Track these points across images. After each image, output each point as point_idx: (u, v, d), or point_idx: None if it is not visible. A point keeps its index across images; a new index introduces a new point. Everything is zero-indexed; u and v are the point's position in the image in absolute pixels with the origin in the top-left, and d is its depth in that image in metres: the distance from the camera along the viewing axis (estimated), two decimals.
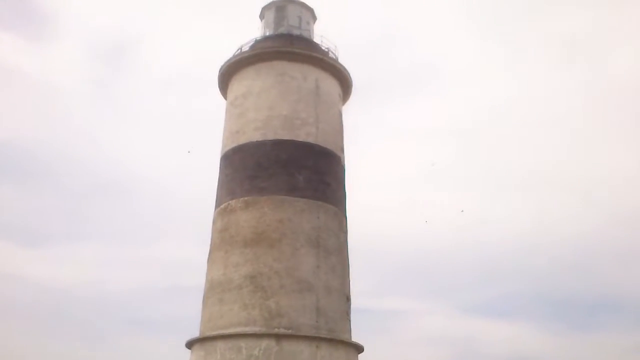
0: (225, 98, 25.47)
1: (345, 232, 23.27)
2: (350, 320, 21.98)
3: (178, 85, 58.16)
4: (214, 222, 22.94)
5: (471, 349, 53.15)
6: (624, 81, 53.21)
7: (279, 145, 22.54)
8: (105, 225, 56.60)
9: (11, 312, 48.27)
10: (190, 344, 21.42)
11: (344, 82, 25.15)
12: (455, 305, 55.30)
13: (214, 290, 21.21)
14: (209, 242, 22.74)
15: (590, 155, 54.82)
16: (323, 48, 24.90)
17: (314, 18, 26.39)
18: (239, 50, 24.59)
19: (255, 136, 22.84)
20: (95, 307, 50.10)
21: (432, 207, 54.73)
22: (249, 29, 26.20)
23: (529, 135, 57.09)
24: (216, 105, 26.15)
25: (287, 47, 23.82)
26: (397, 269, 51.30)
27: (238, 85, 24.31)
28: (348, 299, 22.14)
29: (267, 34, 25.48)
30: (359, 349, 21.94)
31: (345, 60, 25.14)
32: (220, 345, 19.83)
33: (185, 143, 48.42)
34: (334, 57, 24.85)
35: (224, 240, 21.89)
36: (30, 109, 57.57)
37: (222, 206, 22.66)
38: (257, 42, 24.84)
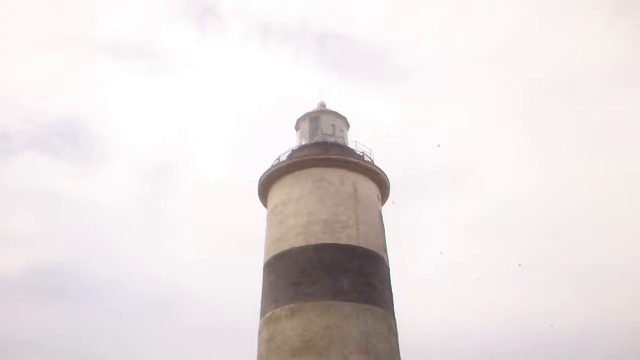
0: (266, 207, 26.08)
1: (396, 335, 22.46)
2: None
3: (221, 200, 59.85)
4: (259, 332, 22.56)
5: None
6: None
7: (321, 249, 22.59)
8: (151, 343, 56.08)
9: None
10: None
11: (382, 184, 25.55)
12: None
13: None
14: (256, 353, 22.22)
15: (630, 242, 52.57)
16: (358, 152, 25.64)
17: (347, 125, 27.46)
18: (277, 160, 25.54)
19: (297, 242, 23.01)
20: None
21: (480, 301, 52.72)
22: (287, 141, 27.31)
23: (571, 225, 55.55)
24: (258, 216, 26.76)
25: (323, 153, 24.66)
26: None
27: (277, 193, 24.96)
28: None
29: (303, 143, 26.53)
30: None
31: (380, 162, 25.80)
32: None
33: (229, 256, 48.90)
34: (370, 160, 25.48)
35: (270, 350, 21.38)
36: (80, 233, 59.83)
37: (267, 315, 22.39)
38: (294, 151, 25.82)
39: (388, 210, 26.46)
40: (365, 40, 63.30)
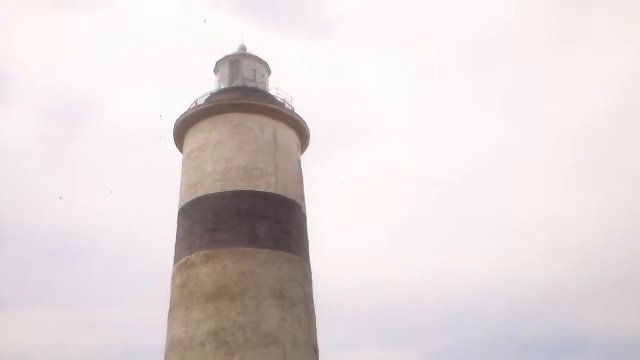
0: (182, 152, 25.21)
1: (310, 282, 22.84)
2: None
3: (133, 144, 57.34)
4: (173, 278, 22.16)
5: None
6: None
7: (238, 196, 22.27)
8: (61, 289, 54.07)
9: None
10: None
11: (302, 132, 25.37)
12: (425, 352, 54.59)
13: (175, 349, 20.23)
14: (169, 299, 21.87)
15: (552, 197, 56.46)
16: (279, 99, 25.20)
17: (269, 71, 26.80)
18: (194, 104, 24.59)
19: (214, 188, 22.52)
20: None
21: (394, 254, 55.02)
22: (205, 85, 26.24)
23: (490, 181, 58.60)
24: (173, 162, 25.85)
25: (243, 98, 23.99)
26: (362, 318, 50.47)
27: (194, 138, 24.15)
28: (316, 350, 21.48)
29: (222, 87, 25.66)
30: None
31: (301, 111, 25.53)
32: None
33: (141, 201, 47.36)
34: (290, 107, 25.15)
35: (184, 296, 21.10)
36: None
37: (181, 261, 21.97)
38: (213, 95, 24.94)
39: (307, 160, 26.51)
40: None
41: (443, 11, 59.57)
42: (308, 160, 26.56)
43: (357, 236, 55.84)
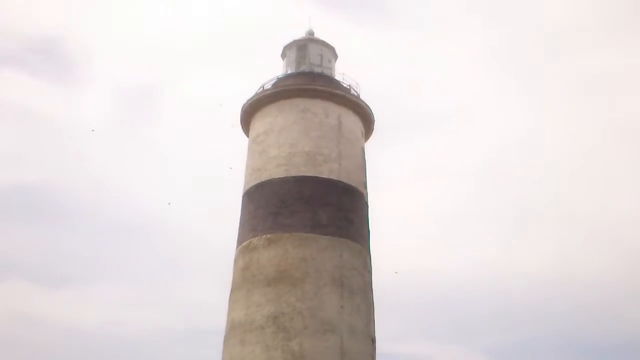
0: (248, 136, 25.46)
1: (370, 271, 22.61)
2: None
3: (202, 128, 58.82)
4: (235, 261, 22.52)
5: None
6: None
7: (301, 181, 22.26)
8: (125, 267, 56.53)
9: (31, 353, 47.77)
10: None
11: (366, 119, 24.99)
12: (480, 349, 53.29)
13: (235, 331, 20.59)
14: (231, 281, 22.27)
15: (614, 193, 53.45)
16: (345, 85, 24.89)
17: (335, 56, 26.50)
18: (261, 89, 24.69)
19: (278, 173, 22.61)
20: (116, 349, 49.43)
21: (453, 245, 53.77)
22: (273, 70, 26.30)
23: (549, 173, 56.12)
24: (240, 146, 26.14)
25: (309, 84, 23.85)
26: (417, 310, 49.84)
27: (260, 122, 24.30)
28: (373, 341, 21.29)
29: (289, 72, 25.62)
30: None
31: (366, 97, 25.12)
32: None
33: (208, 183, 48.50)
34: (356, 94, 24.80)
35: (245, 279, 21.41)
36: (56, 152, 58.63)
37: (244, 244, 22.28)
38: (279, 80, 24.94)
39: (371, 147, 26.12)
40: None
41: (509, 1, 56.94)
42: (372, 148, 26.25)
43: (417, 226, 54.93)
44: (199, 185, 53.23)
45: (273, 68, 26.55)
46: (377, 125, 25.80)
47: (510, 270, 51.93)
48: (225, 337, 21.19)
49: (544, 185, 55.45)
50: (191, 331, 50.57)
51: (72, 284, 56.69)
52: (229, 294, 22.17)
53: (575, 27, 56.29)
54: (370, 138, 26.11)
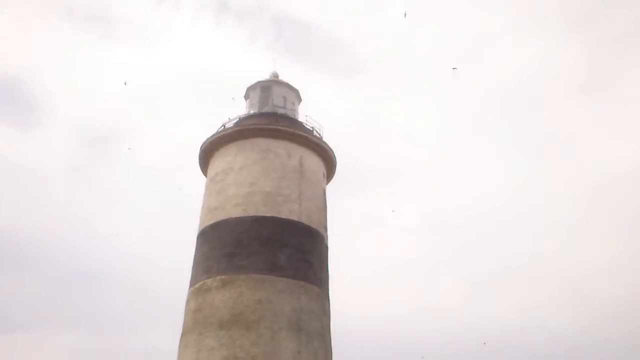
0: (206, 176, 24.88)
1: (328, 315, 21.86)
2: None
3: (159, 171, 57.77)
4: (187, 302, 21.42)
5: None
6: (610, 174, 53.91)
7: (260, 221, 21.66)
8: (81, 314, 53.79)
9: None
10: None
11: (328, 161, 24.88)
12: None
13: None
14: (182, 325, 21.07)
15: (574, 246, 54.52)
16: (308, 127, 24.84)
17: (299, 99, 26.61)
18: (222, 127, 24.38)
19: (236, 212, 21.99)
20: None
21: (410, 296, 53.23)
22: (236, 112, 26.09)
23: (511, 229, 56.98)
24: (197, 189, 25.45)
25: (271, 124, 23.69)
26: (375, 356, 48.52)
27: (219, 161, 23.82)
28: None
29: (252, 112, 25.47)
30: None
31: (329, 141, 25.07)
32: None
33: (164, 227, 47.19)
34: (319, 136, 24.74)
35: (197, 321, 20.30)
36: (12, 195, 56.53)
37: (196, 285, 21.27)
38: (241, 120, 24.74)
39: (331, 192, 25.85)
40: (323, 28, 62.57)
41: (474, 59, 59.47)
42: (333, 193, 25.97)
43: (374, 275, 54.41)
44: (156, 228, 51.84)
45: (237, 111, 26.44)
46: (337, 173, 25.74)
47: (471, 321, 51.57)
48: None
49: (505, 239, 56.11)
50: None
51: (22, 330, 53.64)
52: (179, 339, 20.93)
53: (537, 83, 58.75)
54: (331, 182, 25.95)
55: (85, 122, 61.26)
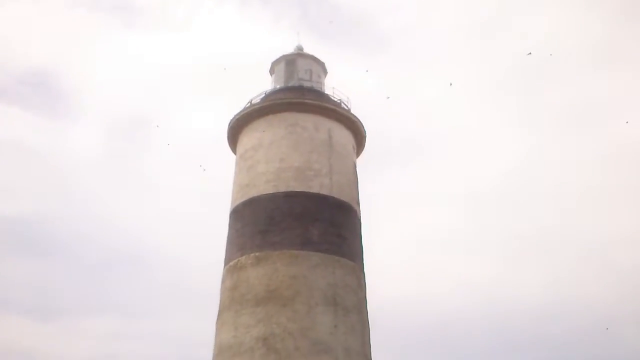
0: (235, 153, 24.71)
1: (364, 289, 21.63)
2: None
3: (189, 153, 58.08)
4: (222, 281, 21.46)
5: None
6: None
7: (291, 197, 21.44)
8: (119, 299, 55.11)
9: None
10: None
11: (358, 134, 24.38)
12: None
13: (224, 355, 19.42)
14: (218, 303, 21.17)
15: (605, 217, 53.07)
16: (335, 99, 24.34)
17: (325, 72, 26.06)
18: (249, 104, 24.07)
19: (267, 189, 21.79)
20: None
21: (445, 271, 52.84)
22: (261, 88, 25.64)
23: (541, 199, 55.77)
24: (230, 168, 25.25)
25: (298, 97, 23.27)
26: (410, 333, 48.40)
27: (248, 138, 23.58)
28: None
29: (278, 87, 25.07)
30: None
31: (357, 112, 24.53)
32: None
33: (199, 209, 47.66)
34: (347, 108, 24.24)
35: (233, 299, 20.33)
36: (48, 186, 57.91)
37: (231, 263, 21.27)
38: (267, 95, 24.37)
39: (362, 166, 25.37)
40: (347, 3, 61.21)
41: (497, 29, 57.62)
42: (363, 167, 25.49)
43: (409, 249, 54.07)
44: (190, 212, 52.43)
45: (263, 88, 25.97)
46: (367, 146, 25.22)
47: (504, 296, 50.98)
48: None
49: (534, 210, 54.98)
50: None
51: (63, 317, 55.31)
52: (216, 317, 21.04)
53: (563, 55, 56.81)
54: (361, 156, 25.49)
55: (115, 109, 61.96)
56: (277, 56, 25.84)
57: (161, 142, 60.72)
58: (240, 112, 23.90)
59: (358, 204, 23.37)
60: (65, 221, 56.68)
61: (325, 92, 24.80)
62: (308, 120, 22.91)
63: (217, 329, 20.67)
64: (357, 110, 24.56)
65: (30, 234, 57.10)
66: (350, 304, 20.30)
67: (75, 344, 50.98)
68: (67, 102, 64.54)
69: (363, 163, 25.51)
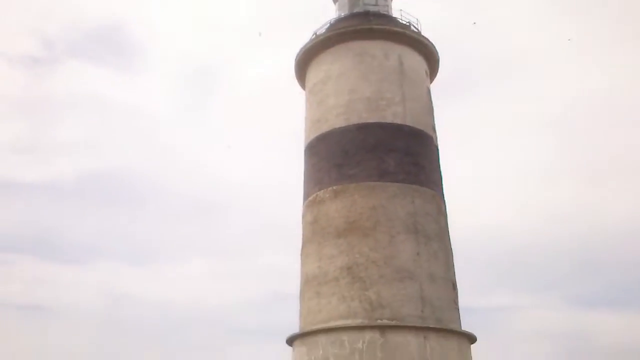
0: (304, 89, 24.48)
1: (446, 216, 21.39)
2: (458, 309, 20.10)
3: (263, 98, 58.47)
4: (303, 216, 21.88)
5: (582, 342, 48.90)
6: None
7: (364, 129, 21.15)
8: (205, 242, 58.15)
9: (121, 328, 50.20)
10: (291, 341, 20.49)
11: (430, 58, 23.36)
12: (561, 298, 51.04)
13: (310, 285, 20.10)
14: (301, 236, 21.71)
15: None
16: (403, 22, 23.27)
17: None
18: (314, 35, 23.51)
19: (339, 122, 21.59)
20: (199, 320, 51.19)
21: (531, 199, 51.28)
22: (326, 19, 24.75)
23: (622, 124, 52.05)
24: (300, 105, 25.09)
25: (364, 24, 22.44)
26: (496, 261, 48.07)
27: (315, 71, 23.22)
28: (454, 286, 20.23)
29: (342, 15, 24.25)
30: (471, 339, 19.96)
31: (428, 35, 23.36)
32: (322, 339, 18.69)
33: (275, 150, 48.45)
34: (416, 30, 23.15)
35: (315, 232, 20.75)
36: (128, 138, 60.58)
37: (310, 198, 21.57)
38: (332, 24, 23.66)
39: (436, 92, 24.37)
40: None
41: None
42: (437, 93, 24.48)
43: (489, 178, 52.64)
44: (266, 154, 53.35)
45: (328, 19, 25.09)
46: (440, 72, 24.12)
47: (587, 222, 49.10)
48: (300, 291, 20.76)
49: (620, 135, 51.50)
50: (274, 296, 51.67)
51: (158, 262, 59.15)
52: (300, 250, 21.66)
53: None
54: (435, 82, 24.48)
55: (185, 61, 62.73)
56: None
57: (230, 91, 61.36)
58: (305, 44, 23.42)
59: (434, 130, 22.73)
60: (148, 173, 59.51)
61: (393, 16, 23.74)
62: (376, 48, 22.15)
63: (301, 260, 21.31)
64: (428, 32, 23.47)
65: (116, 187, 60.66)
66: (431, 231, 20.21)
67: (167, 286, 54.68)
68: (137, 55, 66.17)
69: (438, 87, 24.62)
